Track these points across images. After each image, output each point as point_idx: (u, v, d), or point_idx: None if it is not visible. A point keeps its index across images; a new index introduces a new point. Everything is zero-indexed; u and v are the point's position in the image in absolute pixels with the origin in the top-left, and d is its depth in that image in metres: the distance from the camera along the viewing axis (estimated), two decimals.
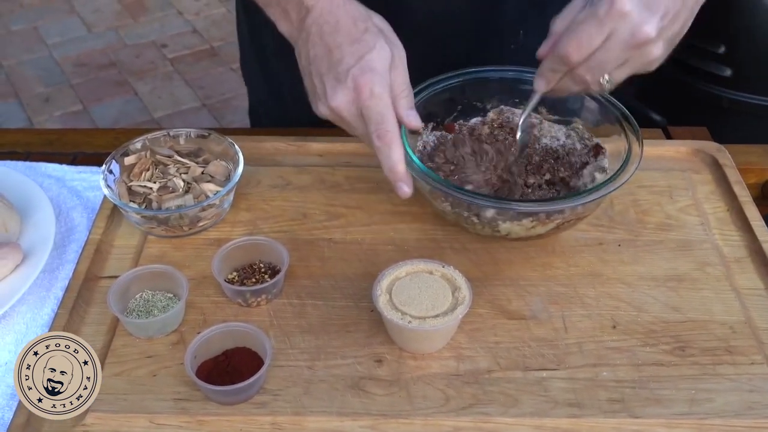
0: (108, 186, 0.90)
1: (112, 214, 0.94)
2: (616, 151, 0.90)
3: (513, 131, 0.93)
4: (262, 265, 0.87)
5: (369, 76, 0.76)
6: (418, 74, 0.86)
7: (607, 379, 0.76)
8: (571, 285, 0.86)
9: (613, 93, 0.90)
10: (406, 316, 0.76)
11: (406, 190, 0.79)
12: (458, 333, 0.80)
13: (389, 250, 0.91)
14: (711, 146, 1.05)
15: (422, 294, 0.78)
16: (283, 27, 0.84)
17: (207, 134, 0.97)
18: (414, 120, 0.81)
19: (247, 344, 0.78)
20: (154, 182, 0.92)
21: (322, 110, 0.81)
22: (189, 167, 0.94)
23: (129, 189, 0.92)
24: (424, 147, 0.94)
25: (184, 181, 0.92)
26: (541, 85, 0.82)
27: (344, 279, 0.87)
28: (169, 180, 0.92)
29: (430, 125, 0.95)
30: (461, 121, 0.97)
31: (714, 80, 1.68)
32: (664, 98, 1.78)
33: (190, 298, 0.84)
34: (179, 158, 0.95)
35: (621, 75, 0.78)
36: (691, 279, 0.87)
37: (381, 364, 0.78)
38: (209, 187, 0.92)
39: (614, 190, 0.83)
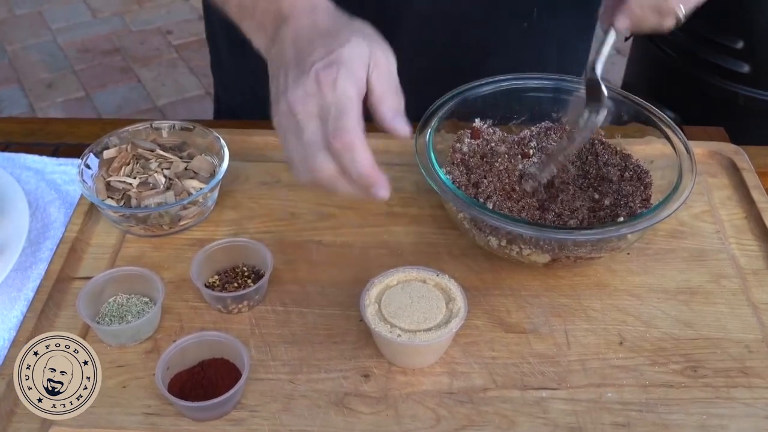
0: (84, 181, 0.85)
1: (90, 210, 0.89)
2: (652, 155, 0.86)
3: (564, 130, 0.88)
4: (245, 269, 0.81)
5: (335, 68, 0.64)
6: (431, 63, 0.78)
7: (612, 400, 0.71)
8: (576, 296, 0.81)
9: (624, 89, 0.85)
10: (396, 328, 0.71)
11: (383, 193, 0.65)
12: (452, 347, 0.75)
13: (382, 255, 0.85)
14: (728, 148, 0.99)
15: (414, 305, 0.72)
16: (259, 42, 0.74)
17: (191, 127, 0.91)
18: (401, 125, 0.67)
19: (224, 355, 0.73)
20: (134, 178, 0.87)
21: (278, 110, 0.67)
22: (172, 162, 0.88)
23: (107, 184, 0.86)
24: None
25: (165, 177, 0.87)
26: (623, 22, 0.76)
27: (332, 285, 0.81)
28: (150, 176, 0.86)
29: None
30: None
31: (730, 77, 1.63)
32: (676, 96, 1.73)
33: (167, 303, 0.79)
34: (162, 152, 0.89)
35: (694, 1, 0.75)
36: (705, 292, 0.81)
37: (368, 379, 0.73)
38: (192, 184, 0.87)
39: (679, 207, 0.78)
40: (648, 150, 0.88)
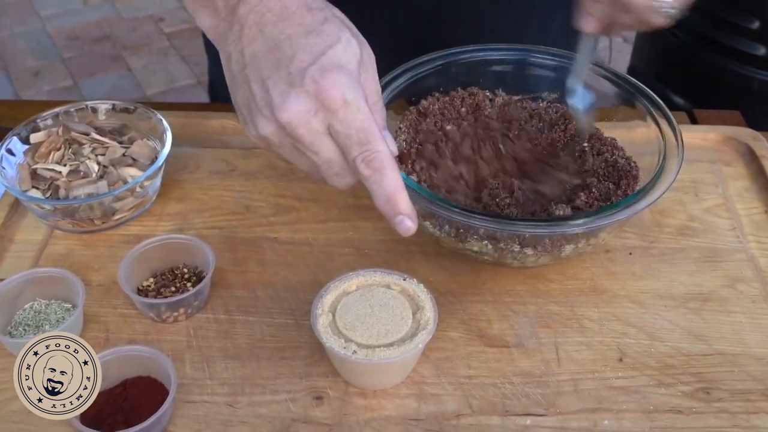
0: (3, 168, 0.74)
1: (16, 202, 0.78)
2: (638, 141, 0.74)
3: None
4: (186, 270, 0.70)
5: (336, 76, 0.53)
6: (417, 35, 0.73)
7: (610, 429, 0.60)
8: (568, 303, 0.69)
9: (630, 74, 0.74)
10: (351, 343, 0.59)
11: (409, 225, 0.56)
12: (421, 363, 0.64)
13: (346, 254, 0.74)
14: (745, 133, 0.87)
15: (374, 315, 0.61)
16: (205, 21, 0.60)
17: (132, 108, 0.80)
18: (391, 143, 0.58)
19: (151, 373, 0.62)
20: (64, 165, 0.76)
21: (263, 129, 0.56)
22: (108, 147, 0.77)
23: (33, 173, 0.75)
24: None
25: (99, 164, 0.76)
26: (588, 24, 0.66)
27: (286, 289, 0.70)
28: (82, 163, 0.75)
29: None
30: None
31: (745, 59, 1.53)
32: (687, 80, 1.64)
33: (94, 310, 0.68)
34: (97, 136, 0.78)
35: None
36: (720, 299, 0.70)
37: (320, 402, 0.61)
38: (130, 172, 0.76)
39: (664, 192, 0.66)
40: (632, 135, 0.76)
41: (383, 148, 0.55)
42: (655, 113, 0.72)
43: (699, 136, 0.87)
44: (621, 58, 2.23)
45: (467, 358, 0.65)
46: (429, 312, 0.61)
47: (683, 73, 1.63)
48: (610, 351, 0.65)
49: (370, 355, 0.59)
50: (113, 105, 0.81)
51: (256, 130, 0.56)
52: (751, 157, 0.85)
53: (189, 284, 0.69)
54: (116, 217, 0.75)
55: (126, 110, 0.80)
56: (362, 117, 0.54)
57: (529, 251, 0.67)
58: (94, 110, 0.80)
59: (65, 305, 0.68)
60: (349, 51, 0.55)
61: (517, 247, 0.67)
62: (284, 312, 0.68)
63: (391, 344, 0.59)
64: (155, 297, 0.68)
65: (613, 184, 0.71)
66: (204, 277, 0.68)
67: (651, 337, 0.67)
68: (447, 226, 0.68)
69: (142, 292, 0.69)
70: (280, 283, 0.71)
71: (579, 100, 0.73)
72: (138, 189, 0.74)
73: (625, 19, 0.65)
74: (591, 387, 0.63)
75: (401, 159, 0.72)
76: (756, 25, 1.48)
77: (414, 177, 0.71)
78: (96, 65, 3.00)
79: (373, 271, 0.65)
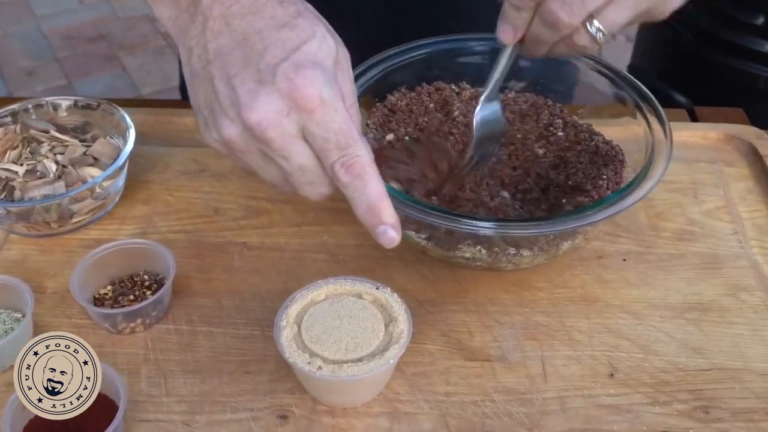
0: None
1: None
2: (627, 139, 0.69)
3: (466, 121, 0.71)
4: (146, 277, 0.66)
5: (311, 73, 0.48)
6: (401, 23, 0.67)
7: None
8: (557, 314, 0.64)
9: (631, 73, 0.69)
10: (317, 358, 0.54)
11: (393, 236, 0.51)
12: (395, 378, 0.59)
13: (319, 260, 0.69)
14: (749, 131, 0.82)
15: (343, 327, 0.56)
16: (164, 11, 0.54)
17: (95, 104, 0.75)
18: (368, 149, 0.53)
19: (102, 389, 0.57)
20: (21, 164, 0.71)
21: (227, 131, 0.50)
22: (68, 146, 0.73)
23: None
24: None
25: (57, 163, 0.71)
26: (506, 35, 0.60)
27: (254, 298, 0.66)
28: (39, 162, 0.71)
29: None
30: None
31: (750, 56, 1.47)
32: (690, 78, 1.59)
33: (46, 320, 0.64)
34: (57, 134, 0.73)
35: (618, 18, 0.55)
36: (720, 309, 0.65)
37: (285, 422, 0.57)
38: (90, 172, 0.71)
39: (646, 194, 0.61)
40: (620, 133, 0.71)
41: (364, 152, 0.50)
42: (645, 108, 0.68)
43: (699, 135, 0.82)
44: (622, 56, 2.18)
45: (446, 374, 0.60)
46: (402, 324, 0.56)
47: (686, 71, 1.58)
48: (601, 366, 0.60)
49: (337, 371, 0.54)
50: (75, 101, 0.76)
51: (219, 133, 0.51)
52: (754, 156, 0.80)
53: (149, 292, 0.64)
54: (74, 220, 0.70)
55: (88, 107, 0.76)
56: (341, 118, 0.49)
57: (525, 252, 0.62)
58: (56, 107, 0.76)
59: (15, 315, 0.63)
60: (324, 47, 0.50)
61: (512, 250, 0.62)
62: (250, 323, 0.64)
63: (360, 359, 0.54)
64: (112, 306, 0.63)
65: (596, 170, 0.67)
66: (165, 284, 0.63)
67: (645, 350, 0.61)
68: (434, 235, 0.63)
69: (98, 300, 0.64)
70: (247, 291, 0.66)
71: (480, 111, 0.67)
72: (98, 190, 0.69)
73: (551, 37, 0.58)
74: (579, 405, 0.58)
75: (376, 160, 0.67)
76: (760, 21, 1.43)
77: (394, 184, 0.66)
78: (91, 65, 2.96)
79: (344, 279, 0.60)
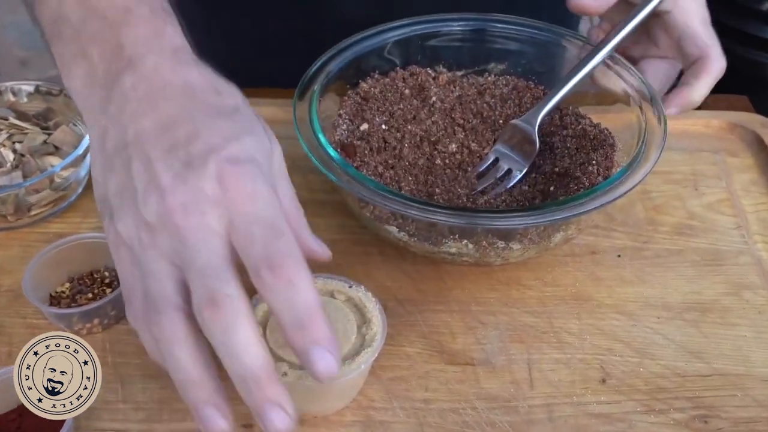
0: None
1: None
2: (621, 127, 0.64)
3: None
4: (107, 274, 0.61)
5: (249, 167, 0.42)
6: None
7: None
8: (545, 314, 0.60)
9: None
10: (283, 363, 0.50)
11: (325, 360, 0.41)
12: (370, 383, 0.55)
13: None
14: (753, 120, 0.78)
15: None
16: (75, 82, 0.48)
17: (57, 91, 0.71)
18: (322, 248, 0.49)
19: None
20: None
21: (136, 220, 0.42)
22: (27, 134, 0.68)
23: None
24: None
25: (15, 152, 0.67)
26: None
27: None
28: None
29: None
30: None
31: (755, 44, 1.44)
32: None
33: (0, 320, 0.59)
34: (16, 121, 0.69)
35: None
36: (722, 309, 0.61)
37: (250, 431, 0.52)
38: (51, 161, 0.67)
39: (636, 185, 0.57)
40: (614, 120, 0.67)
41: (297, 254, 0.42)
42: (638, 95, 0.64)
43: (701, 123, 0.78)
44: None
45: (425, 379, 0.56)
46: (376, 326, 0.52)
47: None
48: (592, 370, 0.56)
49: (304, 377, 0.49)
50: (36, 87, 0.72)
51: (128, 221, 0.43)
52: (759, 146, 0.76)
53: (109, 290, 0.60)
54: (33, 212, 0.66)
55: (50, 93, 0.71)
56: (275, 213, 0.42)
57: (515, 246, 0.58)
58: (15, 92, 0.72)
59: None
60: (262, 146, 0.45)
61: (501, 243, 0.58)
62: None
63: None
64: (69, 304, 0.59)
65: (584, 155, 0.64)
66: None
67: (640, 354, 0.57)
68: (417, 229, 0.59)
69: (55, 299, 0.60)
70: None
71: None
72: (57, 180, 0.65)
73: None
74: (568, 413, 0.54)
75: (347, 152, 0.62)
76: (766, 6, 1.39)
77: (367, 171, 0.62)
78: None
79: (315, 276, 0.55)
